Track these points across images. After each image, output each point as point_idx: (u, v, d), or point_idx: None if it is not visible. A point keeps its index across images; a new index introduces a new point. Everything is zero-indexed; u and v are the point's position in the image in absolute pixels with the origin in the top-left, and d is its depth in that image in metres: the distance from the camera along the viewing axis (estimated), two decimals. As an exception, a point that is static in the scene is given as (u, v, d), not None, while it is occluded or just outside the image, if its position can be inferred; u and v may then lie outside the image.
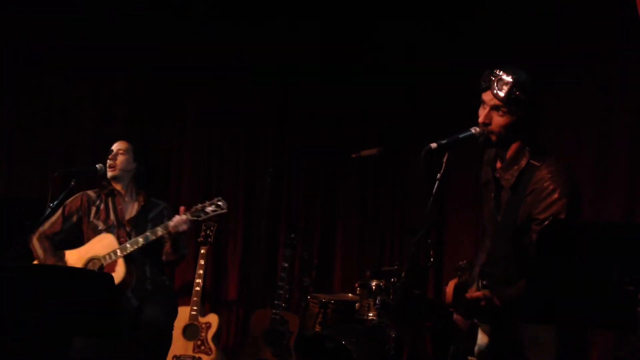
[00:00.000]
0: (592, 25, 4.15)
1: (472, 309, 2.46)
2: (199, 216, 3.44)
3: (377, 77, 5.18)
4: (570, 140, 4.24)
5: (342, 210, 5.40)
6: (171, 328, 3.60)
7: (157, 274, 3.61)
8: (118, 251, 3.45)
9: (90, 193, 3.69)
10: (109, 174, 3.62)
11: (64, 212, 3.63)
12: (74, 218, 3.64)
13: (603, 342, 3.99)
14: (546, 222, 2.30)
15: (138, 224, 3.58)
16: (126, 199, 3.66)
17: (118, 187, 3.66)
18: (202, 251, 4.50)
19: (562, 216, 2.37)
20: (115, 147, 3.67)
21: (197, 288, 4.43)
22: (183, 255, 3.62)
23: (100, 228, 3.57)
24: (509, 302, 2.39)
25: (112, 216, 3.61)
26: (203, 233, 4.50)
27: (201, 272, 4.44)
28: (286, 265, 4.40)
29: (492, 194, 2.61)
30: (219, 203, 3.45)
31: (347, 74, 5.23)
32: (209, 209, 3.44)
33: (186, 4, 5.15)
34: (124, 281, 3.43)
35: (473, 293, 2.44)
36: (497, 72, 2.46)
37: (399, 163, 5.22)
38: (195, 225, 3.78)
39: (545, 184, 2.42)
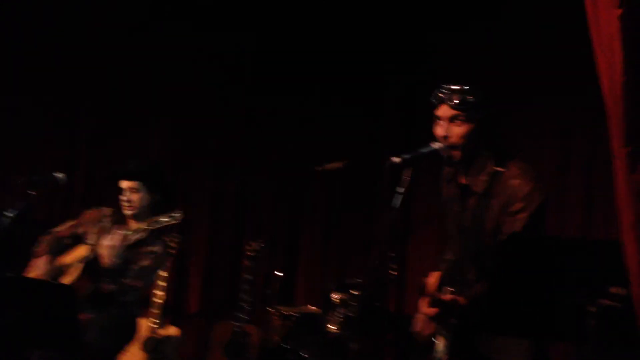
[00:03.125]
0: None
1: (443, 310, 2.48)
2: (153, 226, 3.40)
3: (344, 90, 5.22)
4: (532, 150, 4.32)
5: (307, 223, 5.41)
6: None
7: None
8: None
9: (107, 213, 3.56)
10: (127, 212, 3.49)
11: (79, 219, 3.56)
12: (80, 229, 3.54)
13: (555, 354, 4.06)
14: (513, 222, 2.37)
15: None
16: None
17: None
18: (164, 263, 4.45)
19: (534, 208, 2.41)
20: (125, 185, 3.50)
21: (159, 300, 4.37)
22: None
23: None
24: (474, 302, 2.42)
25: None
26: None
27: (163, 284, 4.39)
28: (249, 277, 4.37)
29: (456, 205, 2.64)
30: (174, 214, 3.40)
31: (313, 85, 5.26)
32: (163, 219, 3.40)
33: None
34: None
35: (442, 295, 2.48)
36: (446, 86, 2.54)
37: (364, 176, 5.25)
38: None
39: (515, 182, 2.47)
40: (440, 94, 2.54)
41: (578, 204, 4.14)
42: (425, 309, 2.57)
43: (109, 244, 3.44)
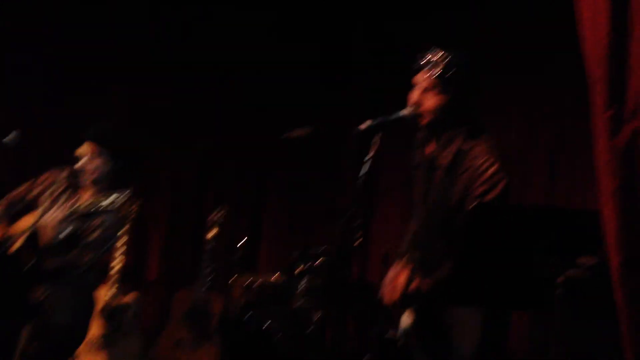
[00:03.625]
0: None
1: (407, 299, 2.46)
2: (95, 206, 3.25)
3: (311, 55, 5.11)
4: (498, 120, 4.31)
5: (272, 191, 5.34)
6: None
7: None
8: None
9: (63, 175, 3.39)
10: (85, 177, 3.33)
11: (33, 182, 3.39)
12: (32, 194, 3.38)
13: (518, 322, 4.09)
14: (476, 202, 2.34)
15: None
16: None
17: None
18: (122, 229, 4.33)
19: (498, 191, 2.39)
20: (84, 149, 3.33)
21: (116, 267, 4.25)
22: None
23: None
24: (436, 286, 2.40)
25: None
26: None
27: (120, 251, 4.26)
28: (211, 244, 4.29)
29: (425, 176, 2.60)
30: (118, 197, 3.25)
31: (277, 51, 5.15)
32: (105, 202, 3.24)
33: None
34: None
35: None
36: (429, 53, 2.45)
37: (331, 144, 5.18)
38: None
39: (480, 161, 2.42)
40: (422, 59, 2.46)
41: (541, 174, 4.15)
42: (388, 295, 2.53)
43: (54, 217, 3.29)
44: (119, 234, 3.53)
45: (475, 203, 2.36)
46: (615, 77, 1.34)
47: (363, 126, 2.44)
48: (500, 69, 4.28)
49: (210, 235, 4.37)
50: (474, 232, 2.05)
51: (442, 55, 2.43)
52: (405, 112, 2.52)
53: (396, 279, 2.53)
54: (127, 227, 4.27)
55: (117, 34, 4.93)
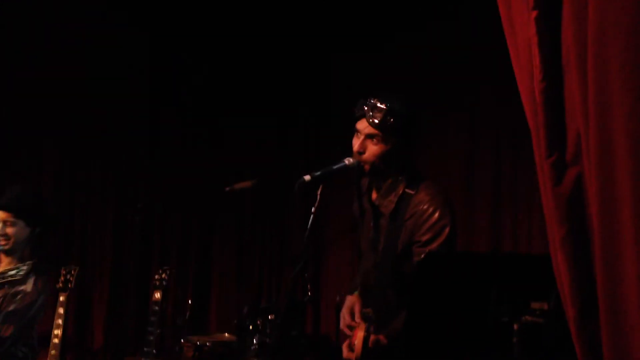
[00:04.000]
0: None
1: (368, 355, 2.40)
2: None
3: (254, 108, 5.08)
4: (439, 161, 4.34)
5: (218, 247, 5.23)
6: None
7: None
8: None
9: None
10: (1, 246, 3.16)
11: None
12: None
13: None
14: (424, 253, 2.32)
15: None
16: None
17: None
18: (61, 298, 4.11)
19: (444, 237, 2.39)
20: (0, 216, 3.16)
21: (56, 340, 4.03)
22: None
23: None
24: (396, 337, 2.37)
25: None
26: (62, 278, 4.13)
27: (60, 321, 4.05)
28: (157, 307, 4.13)
29: (371, 224, 2.59)
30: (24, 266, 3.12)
31: (221, 103, 5.11)
32: (11, 272, 3.13)
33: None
34: None
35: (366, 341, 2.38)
36: (372, 100, 2.45)
37: (275, 196, 5.13)
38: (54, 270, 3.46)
39: (424, 207, 2.43)
40: (364, 106, 2.46)
41: (485, 209, 4.17)
42: (346, 354, 2.49)
43: None
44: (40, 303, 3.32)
45: (424, 254, 2.34)
46: (554, 123, 1.33)
47: (307, 177, 2.41)
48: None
49: (155, 298, 4.20)
50: (424, 283, 2.01)
51: (383, 103, 2.43)
52: (349, 161, 2.52)
53: (353, 337, 2.48)
54: (65, 294, 4.09)
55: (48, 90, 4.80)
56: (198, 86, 5.09)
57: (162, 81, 5.05)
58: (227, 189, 3.80)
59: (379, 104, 2.43)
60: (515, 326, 1.93)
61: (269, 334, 3.86)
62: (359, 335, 2.44)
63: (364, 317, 2.48)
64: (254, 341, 3.85)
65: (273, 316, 3.96)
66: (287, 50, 5.00)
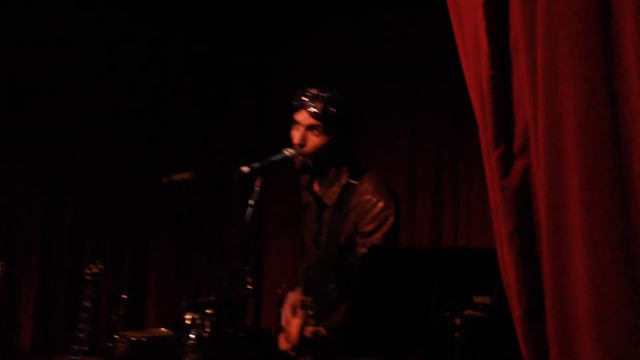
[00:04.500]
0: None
1: (305, 345, 2.38)
2: None
3: (192, 96, 4.95)
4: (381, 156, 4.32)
5: (156, 239, 5.08)
6: None
7: None
8: None
9: None
10: None
11: None
12: None
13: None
14: (367, 244, 2.28)
15: None
16: None
17: None
18: (-15, 295, 3.91)
19: (388, 227, 2.36)
20: None
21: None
22: None
23: None
24: (336, 330, 2.33)
25: None
26: (-14, 274, 3.92)
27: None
28: (88, 304, 3.96)
29: (314, 216, 2.55)
30: None
31: (158, 92, 4.96)
32: None
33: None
34: None
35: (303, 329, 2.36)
36: (310, 91, 2.40)
37: (215, 187, 5.02)
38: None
39: (368, 197, 2.39)
40: (302, 97, 2.40)
41: (427, 203, 4.18)
42: (283, 345, 2.48)
43: None
44: None
45: (367, 246, 2.30)
46: (502, 113, 1.27)
47: (245, 168, 2.36)
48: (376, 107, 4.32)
49: (86, 293, 4.03)
50: (367, 276, 1.96)
51: (322, 93, 2.38)
52: (288, 152, 2.46)
53: (290, 325, 2.45)
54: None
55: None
56: (134, 74, 4.91)
57: (94, 68, 4.84)
58: (165, 179, 3.69)
59: (318, 94, 2.37)
60: (458, 321, 1.90)
61: (207, 329, 3.78)
62: (296, 323, 2.40)
63: (303, 305, 2.44)
64: (192, 336, 3.75)
65: (211, 311, 3.87)
66: (224, 41, 4.88)
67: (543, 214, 1.19)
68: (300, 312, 2.49)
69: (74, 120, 4.85)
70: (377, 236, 2.37)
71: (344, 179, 2.46)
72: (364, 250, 2.34)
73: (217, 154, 5.00)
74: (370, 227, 2.37)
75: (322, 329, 2.37)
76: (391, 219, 2.39)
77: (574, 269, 1.14)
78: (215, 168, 4.86)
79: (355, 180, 2.45)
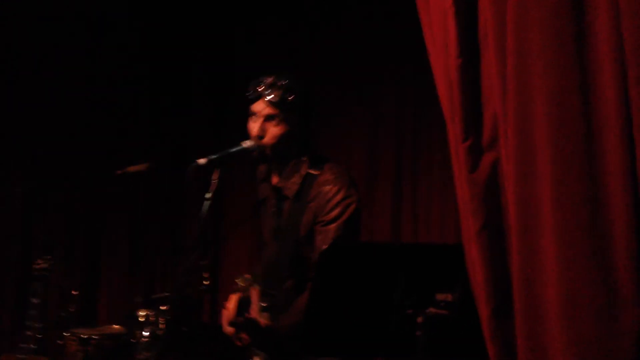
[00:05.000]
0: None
1: (254, 332, 2.32)
2: None
3: (148, 85, 4.81)
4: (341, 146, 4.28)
5: (109, 233, 4.94)
6: None
7: None
8: None
9: None
10: None
11: None
12: None
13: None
14: (328, 232, 2.24)
15: None
16: None
17: None
18: None
19: (348, 215, 2.33)
20: None
21: None
22: None
23: None
24: (290, 330, 2.28)
25: None
26: None
27: None
28: (36, 300, 3.82)
29: (273, 209, 2.49)
30: None
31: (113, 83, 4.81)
32: None
33: None
34: None
35: (255, 315, 2.29)
36: (266, 80, 2.33)
37: (171, 180, 4.91)
38: None
39: (328, 187, 2.35)
40: (258, 88, 2.33)
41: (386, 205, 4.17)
42: (225, 327, 2.45)
43: None
44: None
45: (322, 240, 2.26)
46: (471, 104, 1.22)
47: (202, 160, 2.28)
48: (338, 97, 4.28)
49: (34, 289, 3.89)
50: (327, 273, 1.90)
51: (279, 81, 2.32)
52: (247, 143, 2.40)
53: (227, 304, 2.44)
54: None
55: None
56: (88, 63, 4.75)
57: (45, 57, 4.67)
58: (119, 171, 3.60)
59: (275, 82, 2.31)
60: (420, 318, 1.85)
61: (161, 326, 3.69)
62: (233, 297, 2.40)
63: (243, 281, 2.40)
64: (145, 334, 3.66)
65: (166, 307, 3.79)
66: (187, 24, 4.76)
67: (512, 209, 1.15)
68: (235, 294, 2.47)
69: (24, 111, 4.68)
70: (337, 224, 2.32)
71: (303, 170, 2.41)
72: (323, 238, 2.29)
73: (173, 146, 4.88)
74: (331, 215, 2.33)
75: (278, 327, 2.32)
76: (352, 206, 2.35)
77: (543, 265, 1.09)
78: (171, 160, 4.75)
79: (315, 170, 2.40)
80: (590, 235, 1.07)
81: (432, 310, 1.85)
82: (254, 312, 2.37)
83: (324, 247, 2.20)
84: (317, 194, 2.36)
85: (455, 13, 1.23)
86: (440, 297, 1.87)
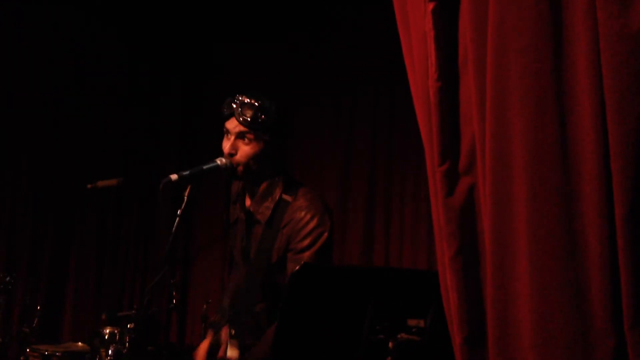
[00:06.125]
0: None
1: None
2: None
3: (121, 97, 4.77)
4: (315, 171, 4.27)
5: (76, 248, 4.84)
6: None
7: None
8: None
9: None
10: None
11: None
12: None
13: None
14: (299, 260, 2.22)
15: None
16: None
17: None
18: None
19: (320, 244, 2.31)
20: None
21: None
22: None
23: None
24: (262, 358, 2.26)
25: None
26: None
27: None
28: (-2, 314, 3.71)
29: (244, 232, 2.46)
30: None
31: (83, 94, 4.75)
32: None
33: None
34: None
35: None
36: (240, 98, 2.31)
37: (142, 195, 4.84)
38: None
39: (301, 214, 2.33)
40: (232, 105, 2.31)
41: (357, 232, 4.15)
42: None
43: None
44: None
45: (298, 263, 2.22)
46: (448, 128, 1.21)
47: (174, 176, 2.24)
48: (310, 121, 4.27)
49: (-5, 304, 3.77)
50: (297, 296, 1.86)
51: (252, 100, 2.30)
52: (219, 161, 2.36)
53: (198, 350, 2.40)
54: None
55: None
56: (60, 75, 4.69)
57: (18, 68, 4.59)
58: (90, 185, 3.54)
59: (248, 101, 2.30)
60: (391, 344, 1.82)
61: (127, 344, 3.61)
62: (203, 346, 2.35)
63: (211, 325, 2.35)
64: (110, 352, 3.57)
65: (132, 325, 3.70)
66: (164, 37, 4.74)
67: (488, 235, 1.13)
68: (210, 333, 2.44)
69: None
70: (309, 253, 2.30)
71: (277, 194, 2.38)
72: (294, 266, 2.26)
73: (144, 162, 4.83)
74: (304, 243, 2.31)
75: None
76: (325, 235, 2.33)
77: (518, 292, 1.08)
78: (142, 176, 4.69)
79: (289, 195, 2.38)
80: (566, 264, 1.06)
81: (403, 335, 1.84)
82: (224, 352, 2.34)
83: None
84: (290, 221, 2.34)
85: (435, 37, 1.23)
86: (412, 322, 1.85)
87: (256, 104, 2.29)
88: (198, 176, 2.29)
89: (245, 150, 2.33)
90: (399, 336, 1.82)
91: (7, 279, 3.81)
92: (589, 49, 1.07)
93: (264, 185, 2.40)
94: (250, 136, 2.31)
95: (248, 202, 2.46)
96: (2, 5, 4.34)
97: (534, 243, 1.07)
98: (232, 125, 2.33)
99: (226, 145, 2.35)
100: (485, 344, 1.13)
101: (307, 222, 2.31)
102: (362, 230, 4.17)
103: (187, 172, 2.27)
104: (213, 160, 2.36)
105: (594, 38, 1.08)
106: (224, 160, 2.35)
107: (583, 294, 1.03)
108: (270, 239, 2.35)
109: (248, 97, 2.31)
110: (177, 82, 4.88)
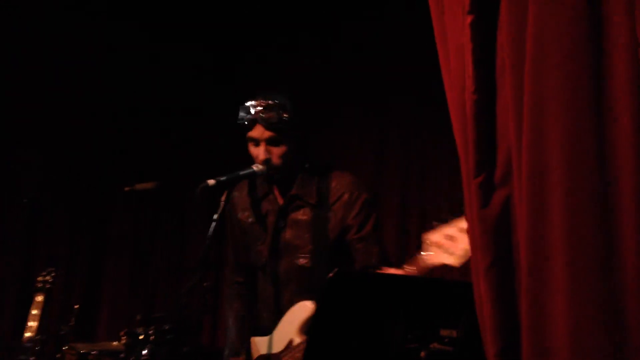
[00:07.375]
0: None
1: None
2: None
3: (157, 105, 4.83)
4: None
5: (112, 249, 4.93)
6: None
7: None
8: None
9: None
10: None
11: None
12: None
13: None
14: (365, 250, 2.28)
15: None
16: None
17: None
18: None
19: (374, 219, 2.41)
20: None
21: None
22: None
23: None
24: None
25: None
26: None
27: None
28: (36, 312, 3.81)
29: (272, 226, 2.49)
30: None
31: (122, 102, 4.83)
32: None
33: None
34: None
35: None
36: (255, 103, 2.33)
37: (178, 199, 4.90)
38: None
39: (347, 192, 2.41)
40: (251, 112, 2.32)
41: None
42: None
43: None
44: None
45: (365, 260, 2.33)
46: (485, 140, 1.22)
47: (211, 182, 2.28)
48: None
49: (36, 301, 3.87)
50: (330, 303, 1.87)
51: (268, 101, 2.34)
52: (256, 168, 2.40)
53: None
54: None
55: None
56: (98, 79, 4.78)
57: (56, 72, 4.70)
58: (127, 188, 3.61)
59: (265, 103, 2.33)
60: (423, 353, 1.82)
61: (161, 345, 3.66)
62: None
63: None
64: (144, 352, 3.62)
65: (167, 326, 3.76)
66: (197, 50, 4.79)
67: (523, 246, 1.13)
68: None
69: (31, 124, 4.71)
70: (368, 229, 2.39)
71: (317, 178, 2.45)
72: (363, 258, 2.34)
73: (181, 166, 4.88)
74: (359, 219, 2.38)
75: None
76: (374, 215, 2.43)
77: (553, 307, 1.08)
78: (179, 179, 4.75)
79: (326, 176, 2.45)
80: (602, 276, 1.06)
81: (436, 345, 1.83)
82: None
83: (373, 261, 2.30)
84: (338, 197, 2.41)
85: (473, 49, 1.23)
86: (444, 332, 1.84)
87: (274, 104, 2.33)
88: (235, 181, 2.37)
89: (279, 152, 2.37)
90: (431, 346, 1.81)
91: (47, 278, 3.92)
92: (629, 59, 1.06)
93: (301, 175, 2.45)
94: (280, 138, 2.35)
95: (278, 194, 2.50)
96: (58, 19, 4.46)
97: (570, 255, 1.07)
98: (259, 132, 2.36)
99: (259, 153, 2.38)
100: (520, 355, 1.13)
101: (357, 199, 2.40)
102: (395, 236, 4.15)
103: (224, 178, 2.31)
104: (249, 166, 2.40)
105: (635, 51, 1.07)
106: (260, 166, 2.39)
107: (619, 308, 1.02)
108: (323, 219, 2.39)
109: (262, 100, 2.34)
110: (214, 89, 4.93)
